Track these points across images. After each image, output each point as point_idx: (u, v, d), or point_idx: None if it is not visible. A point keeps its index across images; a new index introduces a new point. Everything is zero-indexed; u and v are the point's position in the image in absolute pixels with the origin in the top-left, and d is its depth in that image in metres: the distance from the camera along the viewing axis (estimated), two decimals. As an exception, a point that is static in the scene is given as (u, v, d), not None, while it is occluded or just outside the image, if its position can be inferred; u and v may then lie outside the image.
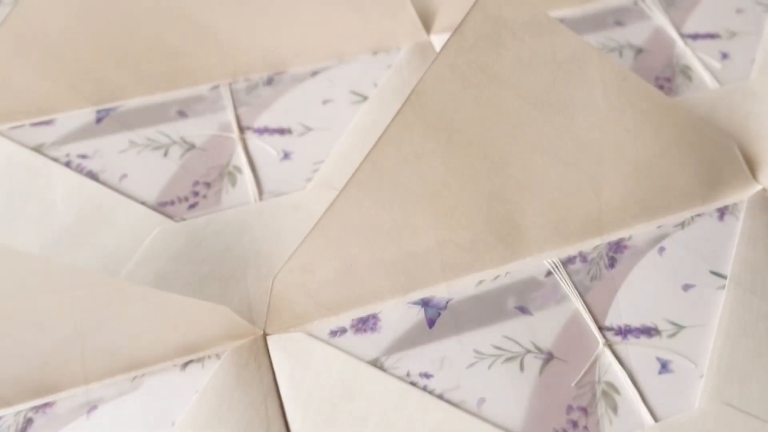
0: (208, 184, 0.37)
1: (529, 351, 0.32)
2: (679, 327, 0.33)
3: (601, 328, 0.33)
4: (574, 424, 0.30)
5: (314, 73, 0.42)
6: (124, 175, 0.37)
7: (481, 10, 0.31)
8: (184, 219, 0.36)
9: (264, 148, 0.39)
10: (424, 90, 0.31)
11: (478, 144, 0.33)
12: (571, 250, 0.35)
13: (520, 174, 0.34)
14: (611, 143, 0.35)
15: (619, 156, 0.35)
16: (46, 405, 0.30)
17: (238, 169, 0.38)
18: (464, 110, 0.32)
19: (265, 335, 0.32)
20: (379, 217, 0.32)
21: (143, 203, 0.36)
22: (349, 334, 0.32)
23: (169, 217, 0.36)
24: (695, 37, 0.45)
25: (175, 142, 0.39)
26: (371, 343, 0.32)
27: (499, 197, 0.34)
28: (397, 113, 0.31)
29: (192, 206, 0.36)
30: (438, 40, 0.44)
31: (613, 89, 0.34)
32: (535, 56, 0.33)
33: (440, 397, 0.31)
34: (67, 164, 0.38)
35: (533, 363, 0.31)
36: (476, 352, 0.32)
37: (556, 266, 0.35)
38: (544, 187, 0.34)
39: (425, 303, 0.33)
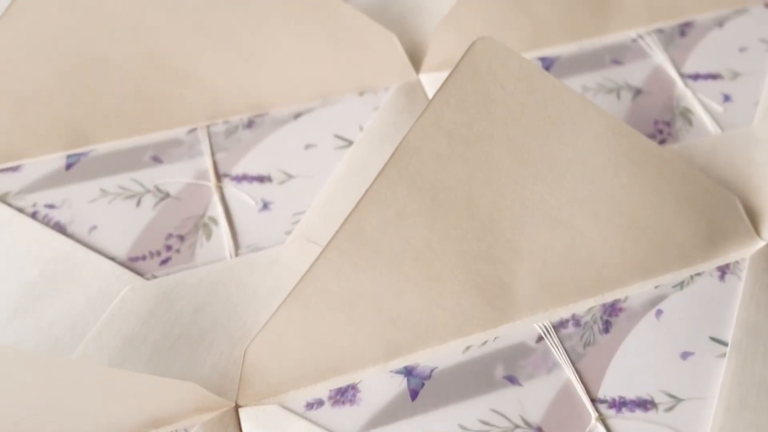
0: (181, 237, 0.35)
1: (517, 426, 0.30)
2: (677, 400, 0.31)
3: (593, 400, 0.31)
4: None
5: (297, 116, 0.40)
6: (94, 227, 0.36)
7: (469, 64, 0.30)
8: (155, 276, 0.34)
9: (242, 197, 0.37)
10: (408, 148, 0.30)
11: (466, 203, 0.31)
12: (564, 313, 0.33)
13: (509, 233, 0.32)
14: (606, 199, 0.33)
15: (614, 212, 0.33)
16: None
17: (214, 221, 0.36)
18: (451, 168, 0.31)
19: (237, 407, 0.30)
20: (359, 283, 0.30)
21: (113, 258, 0.35)
22: (327, 406, 0.30)
23: (140, 273, 0.34)
24: (696, 77, 0.43)
25: (148, 191, 0.37)
26: (350, 417, 0.30)
27: (488, 258, 0.32)
28: (380, 173, 0.30)
29: (164, 262, 0.35)
30: (427, 79, 0.42)
31: (608, 143, 0.33)
32: (526, 111, 0.31)
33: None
34: (34, 215, 0.36)
35: (522, 439, 0.30)
36: (461, 427, 0.30)
37: (548, 331, 0.33)
38: (536, 247, 0.33)
39: (408, 372, 0.31)
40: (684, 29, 0.45)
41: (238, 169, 0.38)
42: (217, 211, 0.36)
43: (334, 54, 0.40)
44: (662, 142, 0.40)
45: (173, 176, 0.37)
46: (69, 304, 0.33)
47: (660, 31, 0.45)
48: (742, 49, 0.44)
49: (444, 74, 0.42)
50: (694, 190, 0.35)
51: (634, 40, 0.44)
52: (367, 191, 0.29)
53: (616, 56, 0.43)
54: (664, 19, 0.45)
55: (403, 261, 0.30)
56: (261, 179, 0.38)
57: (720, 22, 0.45)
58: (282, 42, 0.39)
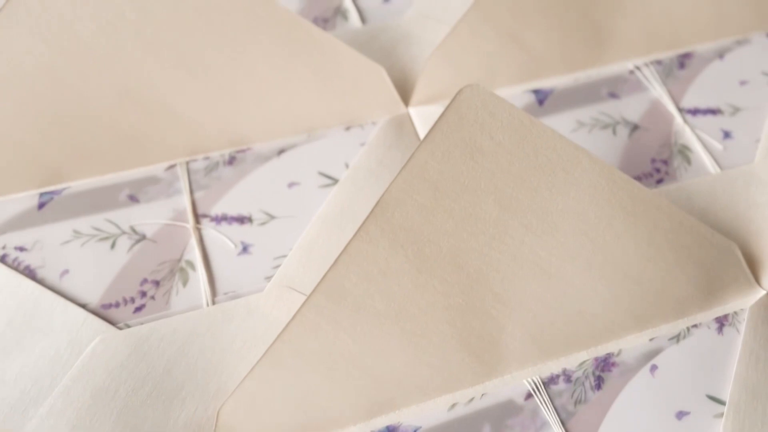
0: (157, 283, 0.34)
1: (503, 493, 0.29)
2: (672, 464, 0.30)
3: (584, 464, 0.30)
4: None
5: (280, 152, 0.39)
6: (66, 272, 0.34)
7: (456, 113, 0.28)
8: (128, 325, 0.32)
9: (221, 240, 0.35)
10: (390, 201, 0.28)
11: (452, 256, 0.30)
12: (554, 367, 0.32)
13: (498, 287, 0.31)
14: (599, 250, 0.32)
15: (607, 263, 0.32)
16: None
17: (191, 265, 0.35)
18: (436, 221, 0.29)
19: (210, 470, 0.29)
20: (339, 341, 0.29)
21: (84, 305, 0.33)
22: (304, 470, 0.29)
23: (112, 322, 0.33)
24: (695, 112, 0.41)
25: (123, 233, 0.35)
26: (328, 482, 0.29)
27: (475, 312, 0.31)
28: (361, 227, 0.28)
29: (138, 309, 0.33)
30: (417, 112, 0.40)
31: (602, 193, 0.31)
32: (516, 160, 0.30)
33: None
34: (3, 258, 0.34)
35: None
36: (445, 494, 0.29)
37: (537, 387, 0.31)
38: (525, 299, 0.31)
39: (390, 432, 0.30)
40: (683, 60, 0.43)
41: (217, 209, 0.36)
42: (195, 254, 0.35)
43: (320, 87, 0.39)
44: (659, 181, 0.38)
45: (150, 216, 0.36)
46: (36, 356, 0.31)
47: (658, 63, 0.43)
48: (743, 83, 0.42)
49: (434, 108, 0.40)
50: (691, 239, 0.33)
51: (631, 72, 0.43)
52: (347, 246, 0.28)
53: (612, 89, 0.42)
54: (662, 49, 0.44)
55: (386, 317, 0.29)
56: (241, 220, 0.36)
57: (720, 54, 0.44)
58: (265, 75, 0.38)
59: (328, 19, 0.46)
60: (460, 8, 0.45)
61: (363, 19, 0.46)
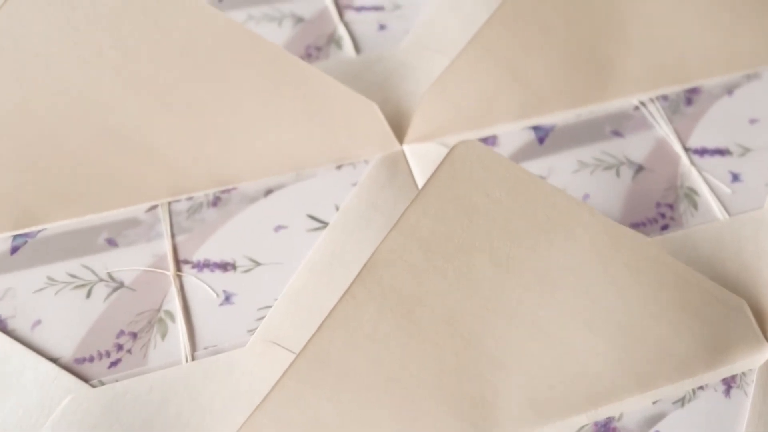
0: (134, 335, 0.32)
1: None
2: None
3: None
4: None
5: (267, 192, 0.37)
6: (38, 322, 0.32)
7: (449, 170, 0.26)
8: (102, 382, 0.31)
9: (202, 288, 0.34)
10: (378, 263, 0.27)
11: (444, 318, 0.28)
12: (552, 432, 0.30)
13: (493, 349, 0.29)
14: (600, 309, 0.30)
15: (609, 322, 0.30)
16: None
17: (171, 316, 0.33)
18: (427, 282, 0.27)
19: None
20: (322, 410, 0.27)
21: (57, 359, 0.31)
22: None
23: (86, 378, 0.31)
24: (702, 152, 0.39)
25: (100, 280, 0.34)
26: None
27: (469, 375, 0.29)
28: (346, 291, 0.26)
29: (114, 364, 0.31)
30: (412, 150, 0.39)
31: (604, 250, 0.30)
32: (513, 218, 0.28)
33: None
34: None
35: None
36: None
37: (534, 454, 0.30)
38: (522, 362, 0.29)
39: (377, 504, 0.28)
40: (690, 96, 0.42)
41: (200, 254, 0.35)
42: (175, 304, 0.33)
43: (310, 124, 0.37)
44: (664, 227, 0.36)
45: (129, 262, 0.34)
46: (4, 414, 0.30)
47: (664, 98, 0.41)
48: (752, 121, 0.41)
49: (431, 145, 0.39)
50: (697, 296, 0.31)
51: (636, 108, 0.41)
52: (332, 310, 0.26)
53: (616, 127, 0.40)
54: (668, 84, 0.42)
55: (373, 385, 0.27)
56: (224, 266, 0.34)
57: (729, 89, 0.42)
58: (252, 112, 0.36)
59: (321, 48, 0.44)
60: (458, 37, 0.43)
61: (357, 47, 0.44)
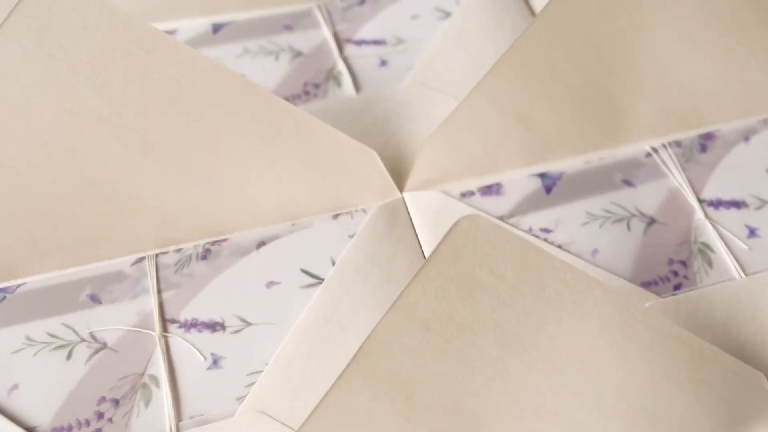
0: (116, 402, 0.30)
1: None
2: None
3: None
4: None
5: (260, 245, 0.35)
6: (15, 386, 0.31)
7: (452, 247, 0.25)
8: None
9: (189, 350, 0.32)
10: (374, 346, 0.25)
11: (446, 401, 0.26)
12: None
13: (497, 430, 0.27)
14: (612, 388, 0.28)
15: (620, 400, 0.28)
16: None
17: (156, 381, 0.31)
18: (427, 364, 0.26)
19: None
20: (312, 500, 0.25)
21: (33, 428, 0.30)
22: None
23: None
24: (717, 204, 0.38)
25: (82, 340, 0.32)
26: None
27: (470, 458, 0.27)
28: (340, 377, 0.25)
29: None
30: (412, 198, 0.37)
31: (615, 326, 0.28)
32: (519, 295, 0.26)
33: None
34: None
35: None
36: None
37: None
38: (527, 443, 0.28)
39: None
40: (705, 143, 0.40)
41: (187, 313, 0.33)
42: (160, 368, 0.31)
43: (305, 172, 0.35)
44: (677, 287, 0.35)
45: (112, 320, 0.32)
46: None
47: (677, 144, 0.40)
48: None
49: (432, 194, 0.37)
50: (713, 370, 0.30)
51: (648, 155, 0.39)
52: (325, 397, 0.24)
53: (626, 175, 0.38)
54: (682, 129, 0.40)
55: (367, 473, 0.26)
56: (213, 326, 0.33)
57: (746, 135, 0.40)
58: (244, 161, 0.34)
59: (319, 85, 0.42)
60: (462, 76, 0.42)
61: (357, 84, 0.42)
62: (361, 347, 0.25)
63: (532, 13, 0.46)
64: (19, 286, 0.33)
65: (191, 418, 0.30)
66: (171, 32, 0.44)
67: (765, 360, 0.32)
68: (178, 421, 0.30)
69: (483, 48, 0.43)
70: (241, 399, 0.31)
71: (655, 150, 0.39)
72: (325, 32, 0.45)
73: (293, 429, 0.30)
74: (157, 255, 0.34)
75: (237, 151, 0.34)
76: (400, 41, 0.44)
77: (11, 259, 0.33)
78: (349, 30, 0.45)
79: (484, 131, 0.37)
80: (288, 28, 0.45)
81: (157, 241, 0.35)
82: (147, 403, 0.30)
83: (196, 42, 0.43)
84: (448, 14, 0.45)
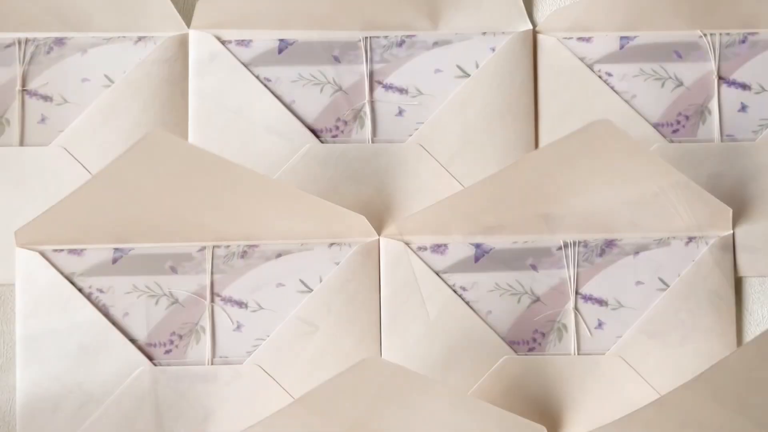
0: (180, 336, 0.53)
1: None
2: None
3: None
4: None
5: (278, 255, 0.54)
6: (126, 314, 0.53)
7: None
8: (159, 363, 0.52)
9: (224, 316, 0.53)
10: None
11: None
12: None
13: None
14: None
15: None
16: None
17: (203, 330, 0.53)
18: None
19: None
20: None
21: (135, 341, 0.53)
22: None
23: (150, 357, 0.52)
24: (588, 298, 0.53)
25: (164, 294, 0.53)
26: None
27: None
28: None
29: (167, 352, 0.52)
30: (384, 243, 0.53)
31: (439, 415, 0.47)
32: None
33: None
34: (89, 296, 0.53)
35: None
36: None
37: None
38: None
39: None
40: (605, 248, 0.54)
41: (226, 292, 0.53)
42: (206, 323, 0.53)
43: (314, 216, 0.52)
44: (531, 349, 0.53)
45: (183, 286, 0.53)
46: (97, 371, 0.52)
47: (584, 245, 0.53)
48: (638, 284, 0.53)
49: (397, 243, 0.53)
50: (504, 427, 0.50)
51: (559, 248, 0.54)
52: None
53: (535, 261, 0.54)
54: (592, 232, 0.53)
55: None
56: (240, 304, 0.53)
57: (637, 250, 0.53)
58: (277, 204, 0.51)
59: (347, 122, 0.55)
60: (454, 146, 0.55)
61: (375, 129, 0.55)
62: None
63: (536, 83, 0.56)
64: (131, 249, 0.53)
65: (219, 357, 0.53)
66: (246, 42, 0.56)
67: (558, 416, 0.52)
68: (213, 357, 0.52)
69: (478, 119, 0.55)
70: (249, 353, 0.53)
71: (566, 245, 0.54)
72: (364, 70, 0.56)
73: (276, 380, 0.52)
74: (214, 247, 0.53)
75: (271, 197, 0.51)
76: (419, 93, 0.56)
77: (127, 231, 0.53)
78: (382, 71, 0.56)
79: (446, 214, 0.52)
80: (336, 59, 0.56)
81: (215, 237, 0.53)
82: (197, 341, 0.53)
83: (263, 59, 0.56)
84: (467, 75, 0.55)
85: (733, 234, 0.53)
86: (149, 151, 0.46)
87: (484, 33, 0.56)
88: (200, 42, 0.55)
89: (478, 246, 0.54)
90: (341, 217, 0.52)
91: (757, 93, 0.55)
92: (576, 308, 0.54)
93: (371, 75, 0.56)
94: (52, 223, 0.52)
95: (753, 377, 0.46)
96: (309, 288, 0.54)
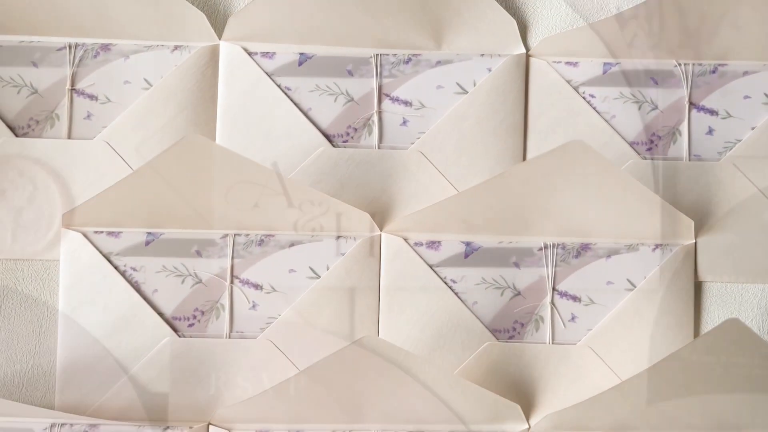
0: (203, 313, 0.60)
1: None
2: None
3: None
4: None
5: (291, 245, 0.60)
6: (155, 290, 0.60)
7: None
8: (183, 335, 0.59)
9: (242, 296, 0.60)
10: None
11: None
12: None
13: None
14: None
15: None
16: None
17: (223, 308, 0.60)
18: None
19: None
20: None
21: (162, 314, 0.60)
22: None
23: (176, 329, 0.59)
24: (563, 294, 0.60)
25: (189, 275, 0.60)
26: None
27: None
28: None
29: (191, 325, 0.59)
30: (386, 237, 0.60)
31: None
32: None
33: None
34: (124, 273, 0.60)
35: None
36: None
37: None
38: None
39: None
40: (580, 251, 0.60)
41: (245, 275, 0.60)
42: (226, 301, 0.60)
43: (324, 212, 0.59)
44: (511, 337, 0.59)
45: (206, 269, 0.60)
46: (130, 337, 0.59)
47: (563, 247, 0.60)
48: (608, 283, 0.60)
49: (397, 238, 0.60)
50: (480, 404, 0.56)
51: (540, 249, 0.60)
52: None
53: (518, 259, 0.61)
54: (570, 236, 0.60)
55: None
56: (256, 286, 0.60)
57: (609, 254, 0.60)
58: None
59: (357, 129, 0.62)
60: (450, 155, 0.61)
61: (381, 136, 0.62)
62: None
63: (527, 101, 0.62)
64: (162, 234, 0.60)
65: (236, 332, 0.60)
66: (270, 54, 0.62)
67: (532, 397, 0.59)
68: (230, 331, 0.59)
69: (474, 132, 0.61)
70: (262, 330, 0.60)
71: (546, 246, 0.60)
72: (374, 83, 0.62)
73: (285, 354, 0.59)
74: (235, 235, 0.60)
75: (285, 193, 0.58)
76: (422, 106, 0.62)
77: (159, 217, 0.59)
78: (390, 85, 0.63)
79: (443, 214, 0.59)
80: (350, 73, 0.62)
81: (236, 226, 0.60)
82: (217, 317, 0.60)
83: (284, 70, 0.62)
84: (465, 91, 0.62)
85: (695, 243, 0.60)
86: (184, 151, 0.53)
87: (482, 54, 0.63)
88: (230, 53, 0.62)
89: (468, 244, 0.61)
90: (348, 214, 0.59)
91: (724, 118, 0.62)
92: (552, 303, 0.61)
93: (380, 88, 0.63)
94: (94, 208, 0.59)
95: (700, 366, 0.53)
96: (317, 274, 0.61)
